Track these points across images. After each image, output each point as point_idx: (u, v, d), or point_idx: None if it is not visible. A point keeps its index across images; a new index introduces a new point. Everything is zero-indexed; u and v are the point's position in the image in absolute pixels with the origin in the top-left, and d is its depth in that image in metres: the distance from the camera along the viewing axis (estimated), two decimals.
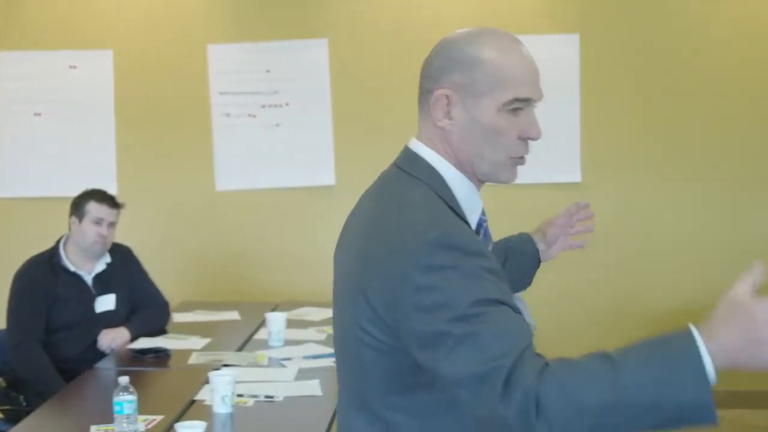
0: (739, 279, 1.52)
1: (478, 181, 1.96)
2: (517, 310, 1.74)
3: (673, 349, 1.49)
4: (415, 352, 1.75)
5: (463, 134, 1.90)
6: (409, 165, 1.93)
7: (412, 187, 1.88)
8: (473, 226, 1.93)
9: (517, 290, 2.49)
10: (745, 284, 1.51)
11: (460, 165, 1.92)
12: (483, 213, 1.98)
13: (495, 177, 1.93)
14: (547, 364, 1.59)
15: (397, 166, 1.96)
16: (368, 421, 1.88)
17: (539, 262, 2.68)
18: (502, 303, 1.71)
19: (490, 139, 1.89)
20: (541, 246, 2.68)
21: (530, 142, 1.92)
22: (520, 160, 1.93)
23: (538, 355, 1.63)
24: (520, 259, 2.61)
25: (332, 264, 2.04)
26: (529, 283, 2.64)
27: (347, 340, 1.91)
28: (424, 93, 1.93)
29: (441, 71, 1.90)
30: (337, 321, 1.98)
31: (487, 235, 2.00)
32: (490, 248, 1.99)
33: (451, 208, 1.87)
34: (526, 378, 1.56)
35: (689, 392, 1.45)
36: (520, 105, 1.89)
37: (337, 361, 2.01)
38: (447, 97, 1.89)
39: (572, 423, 1.52)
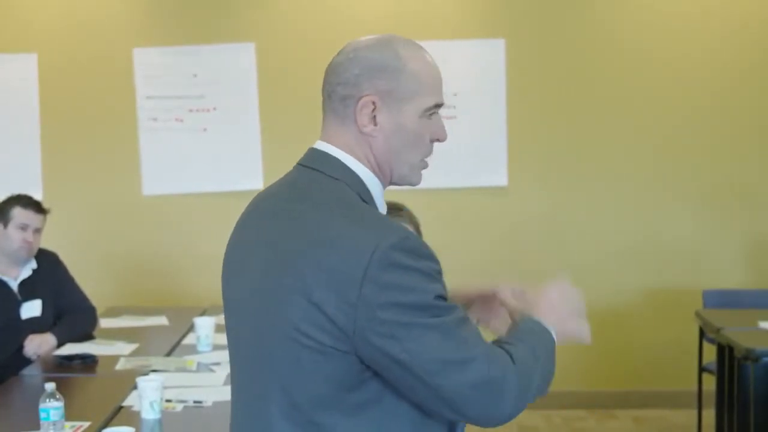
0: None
1: (387, 184, 2.01)
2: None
3: (540, 330, 2.01)
4: (383, 349, 1.78)
5: (388, 139, 1.95)
6: (327, 167, 1.95)
7: (343, 190, 1.91)
8: None
9: None
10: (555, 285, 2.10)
11: (377, 169, 1.97)
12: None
13: (409, 180, 2.01)
14: (509, 352, 1.89)
15: (312, 168, 1.96)
16: (297, 427, 1.85)
17: None
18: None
19: (412, 144, 1.96)
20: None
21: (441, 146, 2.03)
22: (427, 163, 2.03)
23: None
24: None
25: None
26: None
27: (273, 345, 1.87)
28: (341, 99, 1.95)
29: (361, 78, 1.93)
30: (247, 326, 1.95)
31: None
32: None
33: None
34: (507, 364, 1.85)
35: (551, 341, 2.01)
36: (436, 110, 1.98)
37: (245, 370, 1.97)
38: (374, 103, 1.93)
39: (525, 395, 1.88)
